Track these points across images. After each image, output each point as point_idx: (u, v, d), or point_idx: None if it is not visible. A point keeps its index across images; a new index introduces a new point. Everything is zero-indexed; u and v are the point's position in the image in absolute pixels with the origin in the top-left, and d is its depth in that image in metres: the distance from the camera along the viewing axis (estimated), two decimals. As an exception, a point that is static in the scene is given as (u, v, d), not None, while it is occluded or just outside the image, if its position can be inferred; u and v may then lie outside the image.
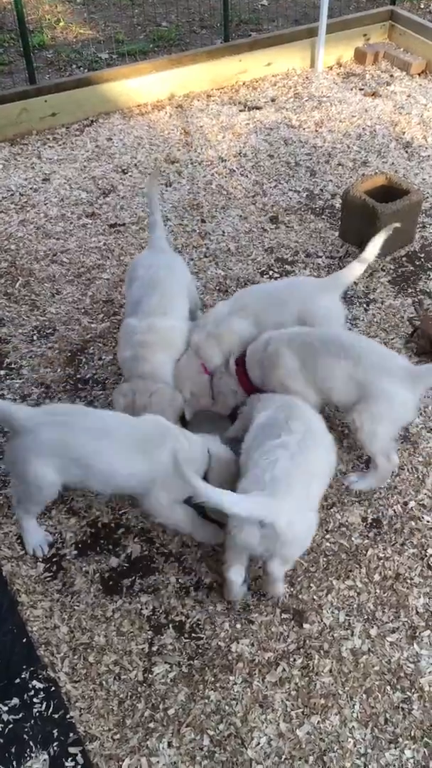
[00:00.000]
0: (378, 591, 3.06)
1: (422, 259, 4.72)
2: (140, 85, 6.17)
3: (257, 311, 3.67)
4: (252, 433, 3.10)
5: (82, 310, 4.41)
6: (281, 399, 3.25)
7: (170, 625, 2.98)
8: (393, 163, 5.52)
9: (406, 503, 3.39)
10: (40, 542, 3.21)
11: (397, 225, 3.96)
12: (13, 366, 4.06)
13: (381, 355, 3.37)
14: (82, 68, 6.68)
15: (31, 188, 5.37)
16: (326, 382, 3.32)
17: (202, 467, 3.11)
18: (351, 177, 5.39)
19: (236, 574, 2.89)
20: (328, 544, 3.23)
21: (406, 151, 5.65)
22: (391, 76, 6.62)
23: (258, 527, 2.69)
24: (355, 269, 3.82)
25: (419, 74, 6.63)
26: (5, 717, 2.69)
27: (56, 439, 2.95)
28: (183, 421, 3.53)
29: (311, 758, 2.61)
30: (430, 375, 3.26)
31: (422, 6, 7.74)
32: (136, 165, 5.58)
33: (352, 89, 6.43)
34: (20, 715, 2.70)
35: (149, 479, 3.00)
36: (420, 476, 3.50)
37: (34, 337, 4.24)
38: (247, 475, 2.88)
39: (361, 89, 6.43)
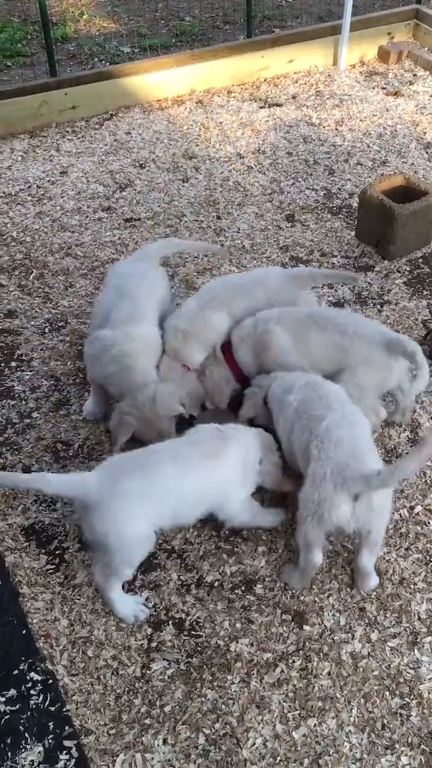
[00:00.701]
0: (381, 595, 3.04)
1: (438, 262, 4.67)
2: (161, 80, 6.16)
3: (227, 301, 3.66)
4: (289, 420, 3.15)
5: (95, 304, 4.40)
6: (301, 377, 3.29)
7: (170, 622, 2.97)
8: (413, 164, 5.47)
9: (412, 507, 3.35)
10: (136, 610, 2.98)
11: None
12: (24, 358, 4.07)
13: (366, 326, 3.51)
14: (103, 61, 6.69)
15: (48, 181, 5.38)
16: (317, 354, 3.42)
17: (258, 456, 3.17)
18: (370, 177, 5.35)
19: (319, 556, 2.94)
20: (330, 546, 3.20)
21: (427, 152, 5.60)
22: (415, 75, 6.56)
23: (351, 502, 2.78)
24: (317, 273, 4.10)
25: (443, 74, 6.56)
26: (2, 708, 2.69)
27: (140, 487, 2.82)
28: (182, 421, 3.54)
29: (306, 761, 2.59)
30: (405, 352, 3.35)
31: (449, 5, 7.66)
32: (153, 160, 5.57)
33: (374, 88, 6.38)
34: (17, 707, 2.70)
35: (229, 484, 3.03)
36: (428, 481, 3.46)
37: (46, 330, 4.25)
38: (319, 462, 2.88)
39: (383, 88, 6.37)
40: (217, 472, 2.98)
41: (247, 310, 3.66)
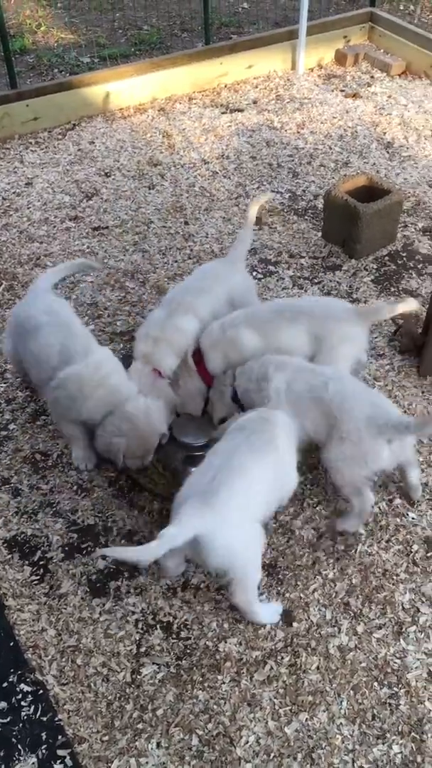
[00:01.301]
0: (364, 588, 3.08)
1: (404, 258, 4.75)
2: (122, 89, 6.18)
3: (193, 305, 3.69)
4: (289, 401, 3.22)
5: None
6: (266, 362, 3.36)
7: (158, 626, 2.98)
8: (374, 164, 5.56)
9: (391, 500, 3.41)
10: (278, 611, 3.01)
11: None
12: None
13: (328, 304, 3.71)
14: (63, 72, 6.68)
15: (13, 192, 5.36)
16: (293, 345, 3.48)
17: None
18: (333, 178, 5.42)
19: (371, 493, 3.17)
20: (314, 541, 3.24)
21: (387, 152, 5.69)
22: (372, 77, 6.67)
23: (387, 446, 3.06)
24: (242, 238, 4.02)
25: (399, 75, 6.68)
26: (-7, 721, 2.69)
27: (241, 501, 2.78)
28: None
29: (299, 755, 2.62)
30: (375, 312, 3.63)
31: (401, 8, 7.80)
32: (118, 168, 5.58)
33: (333, 91, 6.47)
34: (8, 719, 2.69)
35: (289, 465, 3.10)
36: (405, 473, 3.52)
37: (19, 341, 4.23)
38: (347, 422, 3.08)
39: (342, 91, 6.47)
40: (282, 455, 3.01)
41: (211, 308, 3.71)
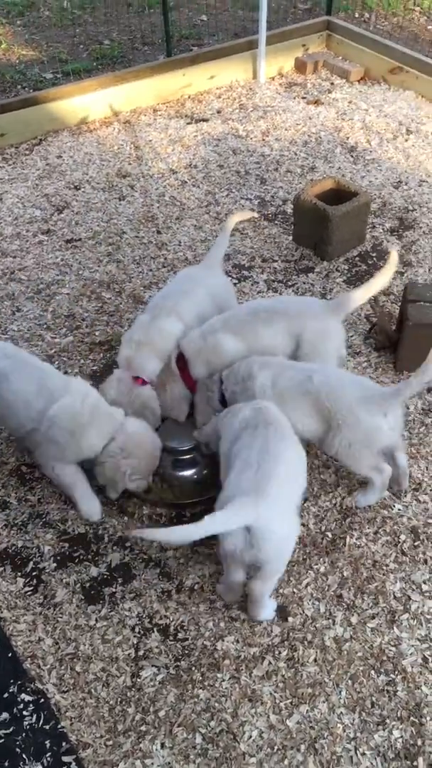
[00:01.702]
0: (356, 580, 3.13)
1: (374, 258, 4.85)
2: (86, 103, 6.22)
3: (176, 308, 3.73)
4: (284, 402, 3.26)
5: (45, 326, 4.42)
6: (249, 364, 3.42)
7: (155, 629, 3.00)
8: (339, 168, 5.67)
9: (376, 493, 3.47)
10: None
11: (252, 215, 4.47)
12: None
13: (302, 302, 3.81)
14: (27, 89, 6.71)
15: (-17, 209, 5.37)
16: (273, 345, 3.53)
17: None
18: (300, 183, 5.52)
19: (389, 468, 3.31)
20: (302, 535, 3.29)
21: (352, 155, 5.81)
22: (332, 83, 6.80)
23: (384, 419, 3.18)
24: (218, 243, 4.11)
25: (359, 81, 6.82)
26: (-4, 732, 2.68)
27: (285, 492, 2.82)
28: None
29: (303, 747, 2.66)
30: (346, 302, 3.62)
31: (357, 15, 7.97)
32: (88, 181, 5.62)
33: (295, 98, 6.58)
34: (11, 729, 2.69)
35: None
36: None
37: (-2, 356, 4.23)
38: (339, 409, 3.19)
39: (303, 98, 6.58)
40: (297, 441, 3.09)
41: (196, 310, 3.75)
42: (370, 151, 5.83)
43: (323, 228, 4.69)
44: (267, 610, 2.98)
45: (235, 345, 3.56)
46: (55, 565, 3.23)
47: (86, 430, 3.21)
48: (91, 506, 3.36)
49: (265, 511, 2.64)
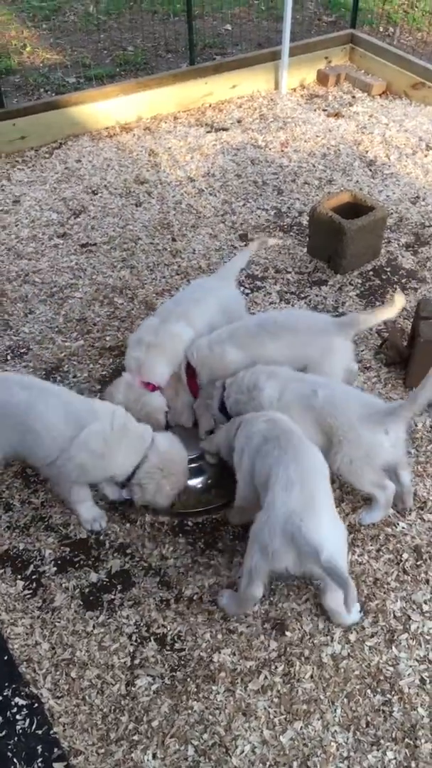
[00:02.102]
0: (357, 597, 3.10)
1: (388, 273, 4.83)
2: (108, 108, 6.26)
3: (187, 313, 3.73)
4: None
5: (56, 329, 4.44)
6: (254, 374, 3.43)
7: (152, 638, 2.99)
8: (357, 181, 5.66)
9: (380, 510, 3.45)
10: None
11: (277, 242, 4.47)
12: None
13: (310, 318, 3.77)
14: (49, 92, 6.75)
15: (1, 210, 5.40)
16: (278, 359, 3.51)
17: None
18: (317, 195, 5.51)
19: (392, 485, 3.30)
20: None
21: (370, 169, 5.80)
22: (353, 97, 6.80)
23: (385, 436, 3.18)
24: (237, 259, 4.17)
25: (380, 95, 6.82)
26: (-12, 735, 2.68)
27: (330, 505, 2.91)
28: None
29: (295, 764, 2.64)
30: (355, 322, 3.59)
31: (381, 29, 7.97)
32: (105, 186, 5.64)
33: (315, 110, 6.59)
34: (3, 733, 2.69)
35: None
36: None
37: (8, 357, 4.25)
38: (341, 426, 3.19)
39: (324, 110, 6.59)
40: None
41: (204, 318, 3.76)
42: (389, 166, 5.82)
43: (338, 241, 4.69)
44: (353, 612, 2.97)
45: (241, 357, 3.56)
46: (55, 569, 3.23)
47: (117, 452, 3.17)
48: (93, 515, 3.36)
49: (319, 529, 2.68)
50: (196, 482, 3.57)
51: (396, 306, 3.55)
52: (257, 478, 3.00)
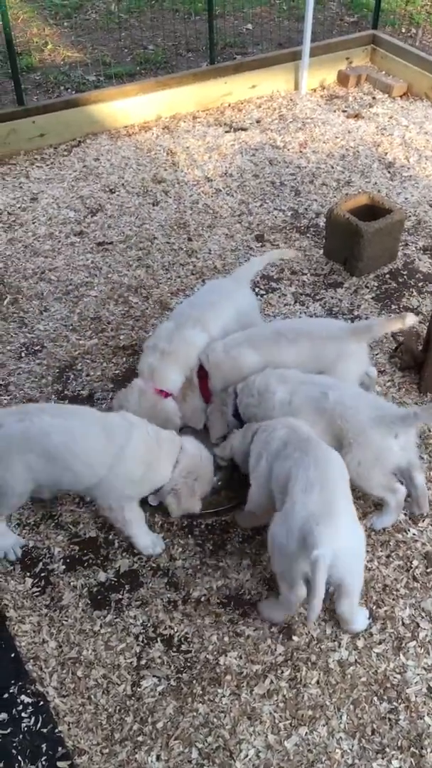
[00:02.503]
0: (365, 603, 3.09)
1: (405, 276, 4.80)
2: (127, 107, 6.26)
3: (202, 319, 3.70)
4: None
5: (70, 327, 4.45)
6: (271, 378, 3.43)
7: (158, 639, 2.99)
8: (376, 183, 5.63)
9: (391, 516, 3.42)
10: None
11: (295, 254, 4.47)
12: (1, 383, 4.08)
13: (326, 324, 3.75)
14: (69, 90, 6.77)
15: (19, 207, 5.42)
16: (293, 365, 3.49)
17: None
18: (335, 196, 5.48)
19: (402, 489, 3.31)
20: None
21: (389, 171, 5.76)
22: (374, 98, 6.76)
23: (395, 440, 3.20)
24: (254, 263, 4.15)
25: (401, 96, 6.77)
26: (-7, 732, 2.69)
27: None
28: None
29: (299, 770, 2.63)
30: (371, 329, 3.59)
31: (403, 30, 7.91)
32: (123, 185, 5.65)
33: (335, 111, 6.55)
34: (8, 730, 2.70)
35: None
36: (405, 489, 3.54)
37: (22, 354, 4.27)
38: (353, 428, 3.20)
39: (344, 111, 6.55)
40: None
41: (220, 322, 3.73)
42: (408, 168, 5.78)
43: (355, 243, 4.66)
44: (362, 619, 2.99)
45: (257, 361, 3.54)
46: (64, 567, 3.24)
47: (160, 460, 3.15)
48: (151, 540, 3.29)
49: (336, 533, 2.67)
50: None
51: (405, 323, 3.52)
52: (274, 481, 2.99)
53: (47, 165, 5.88)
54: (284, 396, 3.29)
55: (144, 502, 3.25)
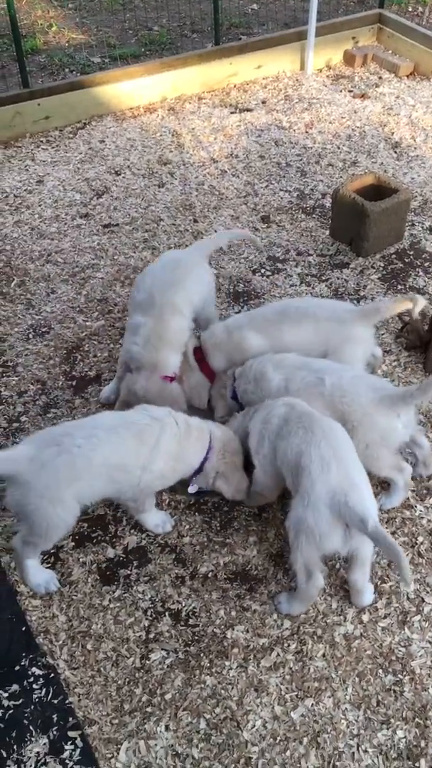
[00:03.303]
0: (371, 578, 3.11)
1: (411, 257, 4.79)
2: (132, 88, 6.25)
3: (177, 305, 3.62)
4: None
5: (77, 309, 4.47)
6: (272, 362, 3.44)
7: (166, 613, 3.03)
8: (382, 163, 5.61)
9: (397, 493, 3.45)
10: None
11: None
12: (9, 364, 4.11)
13: (331, 306, 3.71)
14: (74, 72, 6.75)
15: (25, 190, 5.44)
16: (296, 347, 3.50)
17: None
18: (341, 177, 5.47)
19: (409, 468, 3.36)
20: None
21: (395, 151, 5.74)
22: (380, 78, 6.72)
23: (398, 421, 3.21)
24: (220, 239, 4.20)
25: (407, 76, 6.73)
26: (5, 703, 2.75)
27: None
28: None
29: (305, 740, 2.67)
30: (377, 311, 3.58)
31: (410, 9, 7.85)
32: (128, 167, 5.65)
33: (341, 91, 6.52)
34: (20, 701, 2.75)
35: None
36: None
37: (30, 336, 4.30)
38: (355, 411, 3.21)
39: (350, 91, 6.52)
40: None
41: (193, 300, 3.69)
42: (415, 148, 5.76)
43: (361, 223, 4.65)
44: (369, 593, 3.04)
45: (260, 343, 3.55)
46: (73, 544, 3.29)
47: (189, 451, 3.15)
48: (161, 519, 3.32)
49: (363, 501, 2.77)
50: None
51: (417, 308, 3.54)
52: (282, 461, 3.03)
53: (53, 147, 5.88)
54: (280, 383, 3.31)
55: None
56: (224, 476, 3.23)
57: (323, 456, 2.84)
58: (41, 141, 5.95)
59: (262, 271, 4.70)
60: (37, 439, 2.96)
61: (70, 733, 2.67)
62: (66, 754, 2.62)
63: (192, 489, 3.30)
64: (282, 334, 3.56)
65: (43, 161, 5.72)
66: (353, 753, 2.64)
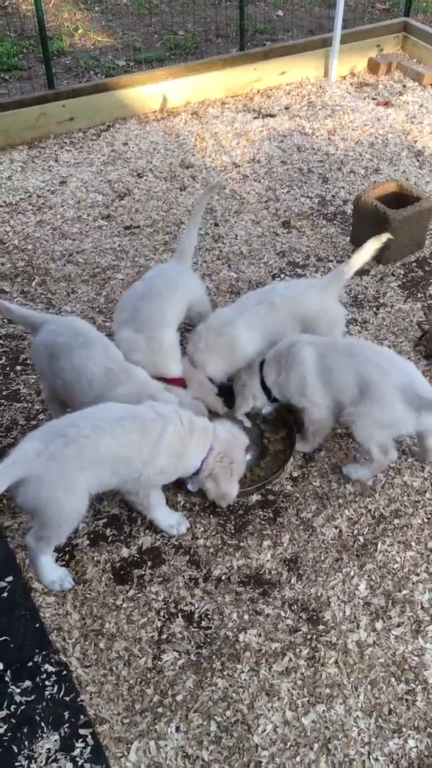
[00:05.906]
0: (384, 586, 3.12)
1: (431, 265, 4.79)
2: (156, 92, 6.28)
3: (168, 320, 3.68)
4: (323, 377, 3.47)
5: (97, 309, 4.49)
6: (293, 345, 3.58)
7: (179, 615, 3.04)
8: (404, 171, 5.60)
9: (416, 501, 3.44)
10: None
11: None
12: (28, 362, 4.14)
13: (297, 285, 3.93)
14: (99, 74, 6.80)
15: (48, 190, 5.48)
16: (278, 333, 3.67)
17: None
18: (363, 184, 5.47)
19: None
20: (333, 537, 3.28)
21: (418, 160, 5.73)
22: (404, 86, 6.71)
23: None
24: (186, 242, 4.05)
25: (431, 85, 6.72)
26: (18, 699, 2.75)
27: None
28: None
29: (316, 746, 2.66)
30: (338, 276, 3.83)
31: (435, 18, 7.84)
32: (151, 170, 5.68)
33: (364, 99, 6.52)
34: (32, 697, 2.76)
35: None
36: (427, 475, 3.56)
37: (50, 335, 4.32)
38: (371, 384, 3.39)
39: (373, 99, 6.52)
40: None
41: (188, 304, 3.82)
42: (437, 157, 5.75)
43: (382, 231, 4.63)
44: None
45: (250, 335, 3.66)
46: (88, 543, 3.30)
47: (191, 449, 3.16)
48: (175, 519, 3.33)
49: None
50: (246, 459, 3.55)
51: (376, 244, 3.82)
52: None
53: (76, 149, 5.92)
54: (312, 365, 3.41)
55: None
56: (215, 479, 3.23)
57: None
58: (65, 142, 5.99)
59: (282, 275, 4.70)
60: (40, 435, 2.99)
61: (81, 731, 2.68)
62: (77, 752, 2.63)
63: (192, 487, 3.35)
64: (268, 322, 3.68)
65: (67, 162, 5.76)
66: (364, 761, 2.63)
